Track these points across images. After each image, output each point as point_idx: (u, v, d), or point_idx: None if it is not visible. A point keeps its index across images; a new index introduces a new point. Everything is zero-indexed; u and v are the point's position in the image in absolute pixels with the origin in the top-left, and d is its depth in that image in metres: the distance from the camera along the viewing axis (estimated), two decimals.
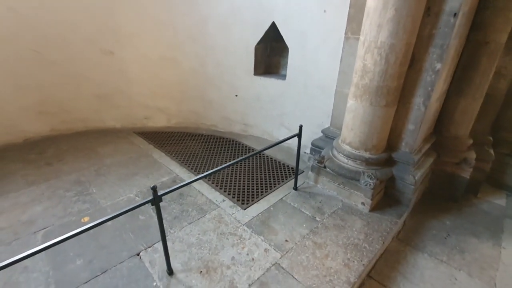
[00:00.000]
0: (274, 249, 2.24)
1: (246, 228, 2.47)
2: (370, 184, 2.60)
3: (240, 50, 3.87)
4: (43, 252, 1.95)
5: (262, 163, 3.62)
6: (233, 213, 2.66)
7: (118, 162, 3.54)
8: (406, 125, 2.71)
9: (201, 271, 2.03)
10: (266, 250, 2.24)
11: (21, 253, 1.29)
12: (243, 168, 3.48)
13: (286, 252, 2.22)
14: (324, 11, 3.09)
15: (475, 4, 2.61)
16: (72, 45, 3.87)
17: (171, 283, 1.95)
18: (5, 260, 1.26)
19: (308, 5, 3.18)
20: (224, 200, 2.85)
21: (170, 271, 2.01)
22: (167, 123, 4.66)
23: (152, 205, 1.72)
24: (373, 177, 2.62)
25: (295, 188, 3.05)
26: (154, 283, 1.95)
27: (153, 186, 1.68)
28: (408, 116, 2.67)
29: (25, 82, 3.79)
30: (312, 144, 3.47)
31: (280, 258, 2.17)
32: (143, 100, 4.45)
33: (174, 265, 2.08)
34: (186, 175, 3.25)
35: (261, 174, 3.36)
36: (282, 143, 3.85)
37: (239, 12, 3.66)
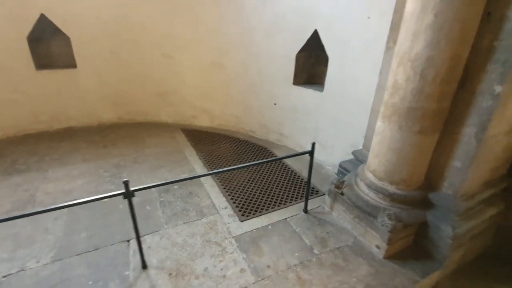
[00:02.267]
0: (251, 272, 2.06)
1: (233, 242, 2.35)
2: (387, 225, 2.12)
3: (281, 58, 3.75)
4: (64, 218, 2.29)
5: (282, 176, 3.40)
6: (228, 223, 2.57)
7: (155, 154, 3.89)
8: (450, 161, 2.11)
9: (171, 273, 2.03)
10: (242, 270, 2.07)
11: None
12: (259, 178, 3.34)
13: (262, 279, 2.01)
14: (368, 17, 2.70)
15: None
16: (141, 48, 4.47)
17: (140, 277, 2.00)
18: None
19: (353, 10, 2.84)
20: (226, 208, 2.79)
21: (144, 265, 2.08)
22: (211, 123, 4.89)
23: (124, 198, 1.80)
24: (393, 218, 2.13)
25: (305, 211, 2.75)
26: (127, 272, 2.04)
27: (125, 181, 1.76)
28: (454, 149, 2.07)
29: (104, 78, 4.58)
30: (340, 165, 3.07)
31: (253, 283, 1.97)
32: (192, 100, 4.79)
33: (151, 260, 2.14)
34: (205, 176, 3.33)
35: (276, 188, 3.16)
36: (315, 160, 3.58)
37: (283, 19, 3.56)
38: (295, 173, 3.48)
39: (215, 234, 2.43)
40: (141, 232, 2.42)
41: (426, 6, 1.75)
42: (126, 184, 1.76)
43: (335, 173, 3.38)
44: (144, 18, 4.25)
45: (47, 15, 3.93)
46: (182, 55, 4.50)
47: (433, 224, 2.19)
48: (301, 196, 3.01)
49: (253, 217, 2.67)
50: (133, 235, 2.37)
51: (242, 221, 2.60)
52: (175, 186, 3.10)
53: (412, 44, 1.87)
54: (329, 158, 3.58)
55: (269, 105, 4.18)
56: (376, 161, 2.32)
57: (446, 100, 1.94)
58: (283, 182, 3.29)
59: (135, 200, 2.87)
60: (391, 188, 2.25)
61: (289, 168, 3.59)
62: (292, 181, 3.31)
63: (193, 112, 4.91)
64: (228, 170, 2.06)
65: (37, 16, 3.90)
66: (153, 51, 4.50)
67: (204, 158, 3.79)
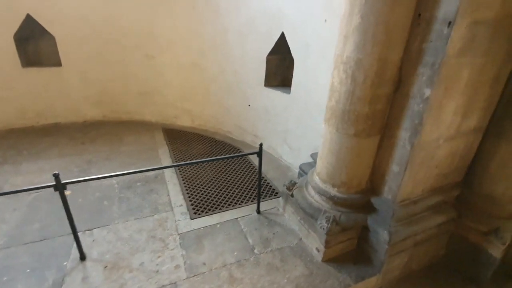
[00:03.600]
0: (185, 269, 2.09)
1: (177, 239, 2.38)
2: (324, 228, 2.11)
3: (253, 60, 3.79)
4: (23, 209, 2.52)
5: (246, 177, 3.42)
6: (178, 220, 2.61)
7: (129, 151, 3.99)
8: (390, 165, 2.08)
9: (106, 266, 2.08)
10: (177, 266, 2.11)
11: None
12: (222, 177, 3.38)
13: (194, 276, 2.03)
14: (325, 20, 2.71)
15: None
16: (125, 48, 4.60)
17: (76, 268, 2.07)
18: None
19: (313, 14, 2.86)
20: (181, 205, 2.83)
21: (83, 257, 2.14)
22: (191, 123, 4.96)
23: (55, 191, 1.87)
24: (331, 220, 2.12)
25: (258, 211, 2.76)
26: (65, 263, 2.11)
27: (55, 174, 1.83)
28: (392, 153, 2.05)
29: (89, 77, 4.73)
30: (300, 167, 3.07)
31: (184, 279, 2.00)
32: (174, 100, 4.88)
33: (92, 252, 2.21)
34: (169, 174, 3.38)
35: (237, 188, 3.18)
36: (283, 162, 3.60)
37: (254, 22, 3.60)
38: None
39: (162, 231, 2.47)
40: (90, 225, 2.51)
41: (353, 9, 1.75)
42: (56, 176, 1.82)
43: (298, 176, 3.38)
44: (128, 19, 4.38)
45: (33, 15, 4.11)
46: (164, 56, 4.60)
47: (373, 229, 2.16)
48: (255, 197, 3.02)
49: (205, 216, 2.70)
50: (83, 227, 2.47)
51: (193, 219, 2.64)
52: (138, 183, 3.17)
53: (343, 47, 1.87)
54: (297, 160, 3.57)
55: (245, 106, 4.22)
56: (320, 164, 2.32)
57: (379, 103, 1.92)
58: (245, 182, 3.30)
59: (95, 195, 2.96)
60: (333, 191, 2.24)
61: (255, 168, 3.61)
62: (255, 182, 3.32)
63: (175, 112, 4.99)
64: (177, 166, 2.10)
65: (23, 16, 4.09)
66: (136, 51, 4.62)
67: (175, 157, 3.85)
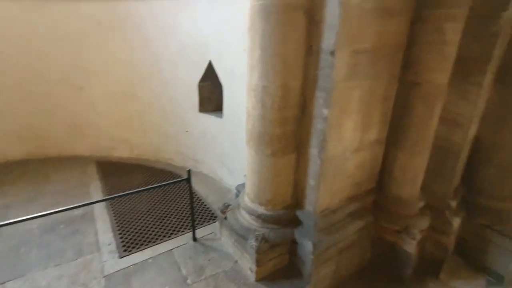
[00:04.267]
0: None
1: (102, 281, 2.21)
2: (253, 247, 2.16)
3: (187, 87, 3.87)
4: None
5: (184, 204, 3.36)
6: (105, 261, 2.43)
7: (55, 191, 3.65)
8: (307, 179, 2.25)
9: None
10: None
11: None
12: (159, 207, 3.27)
13: None
14: (244, 50, 2.91)
15: (396, 40, 2.16)
16: (49, 80, 4.32)
17: None
18: None
19: (234, 44, 3.06)
20: (110, 244, 2.65)
21: None
22: (130, 154, 4.76)
23: None
24: (259, 239, 2.17)
25: (194, 239, 2.71)
26: None
27: None
28: (307, 169, 2.22)
29: (7, 110, 4.31)
30: (236, 189, 3.12)
31: None
32: (109, 131, 4.66)
33: None
34: (99, 211, 3.16)
35: (174, 217, 3.09)
36: (224, 184, 3.60)
37: (184, 50, 3.71)
38: (200, 199, 3.47)
39: (85, 274, 2.28)
40: (3, 278, 2.21)
41: (254, 43, 1.94)
42: None
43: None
44: (51, 51, 4.16)
45: None
46: (94, 86, 4.43)
47: (300, 241, 2.27)
48: (197, 224, 2.98)
49: (136, 251, 2.56)
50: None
51: (122, 257, 2.48)
52: (62, 225, 2.90)
53: (251, 75, 2.04)
54: (236, 181, 3.61)
55: (183, 132, 4.22)
56: (248, 184, 2.41)
57: (289, 124, 2.10)
58: (183, 211, 3.23)
59: (10, 242, 2.64)
60: (260, 209, 2.32)
61: (195, 194, 3.57)
62: (194, 208, 3.27)
63: (111, 143, 4.75)
64: (103, 200, 1.99)
65: None
66: (63, 82, 4.37)
67: (108, 192, 3.63)
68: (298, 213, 2.34)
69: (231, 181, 3.72)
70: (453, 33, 2.03)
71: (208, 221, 3.05)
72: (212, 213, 3.19)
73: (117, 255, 2.50)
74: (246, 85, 2.16)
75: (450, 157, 2.45)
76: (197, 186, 3.78)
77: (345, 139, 2.15)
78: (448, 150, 2.44)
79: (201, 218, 3.09)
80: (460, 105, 2.31)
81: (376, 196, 2.64)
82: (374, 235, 2.63)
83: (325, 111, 1.94)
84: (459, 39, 2.09)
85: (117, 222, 2.97)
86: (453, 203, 2.55)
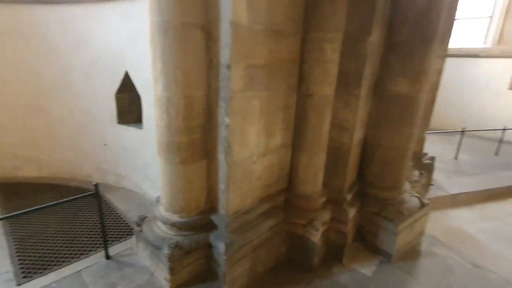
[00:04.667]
0: None
1: None
2: (166, 255, 2.18)
3: (104, 99, 3.72)
4: None
5: (97, 221, 3.16)
6: None
7: None
8: (218, 184, 2.39)
9: None
10: None
11: None
12: (70, 227, 3.03)
13: None
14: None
15: (290, 57, 2.49)
16: None
17: None
18: None
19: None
20: (7, 272, 2.36)
21: None
22: (39, 173, 4.28)
23: None
24: (173, 246, 2.20)
25: (107, 257, 2.58)
26: None
27: None
28: (218, 174, 2.36)
29: None
30: (156, 200, 3.08)
31: None
32: (12, 149, 4.13)
33: None
34: None
35: (87, 236, 2.90)
36: (148, 197, 3.47)
37: (99, 62, 3.59)
38: (119, 215, 3.31)
39: None
40: None
41: (156, 56, 2.02)
42: None
43: None
44: None
45: None
46: None
47: (214, 244, 2.37)
48: (113, 241, 2.84)
49: (39, 277, 2.32)
50: None
51: (20, 284, 2.22)
52: None
53: (156, 87, 2.11)
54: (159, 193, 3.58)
55: (102, 146, 3.99)
56: (162, 193, 2.43)
57: (196, 133, 2.22)
58: (96, 229, 3.04)
59: None
60: (174, 217, 2.36)
61: (113, 210, 3.40)
62: (110, 225, 3.11)
63: (15, 163, 4.20)
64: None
65: None
66: None
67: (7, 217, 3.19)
68: (213, 217, 2.45)
69: (155, 193, 3.64)
70: (332, 52, 2.45)
71: (126, 237, 2.93)
72: (132, 228, 3.08)
73: (14, 283, 2.23)
74: (154, 97, 2.21)
75: (341, 156, 2.88)
76: (118, 201, 3.59)
77: (250, 144, 2.36)
78: (340, 150, 2.87)
79: (118, 234, 2.96)
80: (345, 113, 2.75)
81: (286, 195, 2.93)
82: (286, 230, 2.89)
83: (227, 119, 2.12)
84: (338, 58, 2.53)
85: (17, 248, 2.64)
86: (349, 196, 2.98)
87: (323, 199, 2.89)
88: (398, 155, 3.03)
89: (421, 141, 4.69)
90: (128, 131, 3.66)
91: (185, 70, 2.01)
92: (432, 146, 7.19)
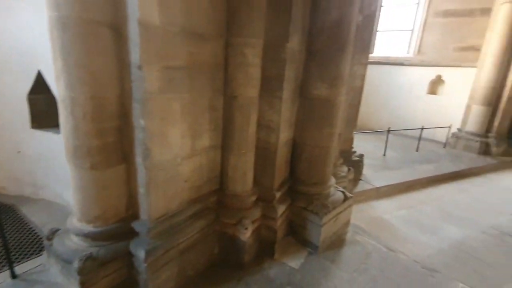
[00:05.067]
0: None
1: None
2: (76, 269, 2.02)
3: (15, 102, 3.31)
4: None
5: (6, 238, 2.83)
6: None
7: None
8: (138, 188, 2.31)
9: None
10: None
11: None
12: None
13: None
14: None
15: (214, 60, 2.52)
16: None
17: None
18: None
19: None
20: None
21: None
22: None
23: None
24: (83, 259, 2.05)
25: (14, 275, 2.31)
26: None
27: None
28: (137, 178, 2.28)
29: None
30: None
31: None
32: None
33: None
34: None
35: None
36: (70, 208, 3.14)
37: (8, 61, 3.19)
38: (32, 230, 2.98)
39: None
40: None
41: (55, 53, 1.87)
42: None
43: None
44: None
45: None
46: None
47: (135, 252, 2.27)
48: (25, 258, 2.55)
49: None
50: None
51: None
52: None
53: (58, 86, 1.95)
54: None
55: (15, 154, 3.55)
56: (74, 202, 2.25)
57: (109, 136, 2.11)
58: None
59: None
60: (88, 228, 2.21)
61: (26, 225, 3.05)
62: (23, 241, 2.78)
63: None
64: None
65: None
66: None
67: None
68: (134, 224, 2.35)
69: None
70: (253, 57, 2.54)
71: (39, 253, 2.65)
72: None
73: None
74: (58, 98, 2.05)
75: (270, 156, 3.01)
76: (35, 215, 3.23)
77: (173, 146, 2.32)
78: (268, 150, 2.99)
79: (30, 251, 2.65)
80: (271, 114, 2.88)
81: (218, 196, 2.95)
82: (218, 231, 2.91)
83: (142, 121, 2.06)
84: (260, 62, 2.64)
85: None
86: (278, 193, 3.12)
87: (253, 198, 2.98)
88: (322, 153, 3.27)
89: (349, 141, 5.13)
90: (46, 137, 3.31)
91: (92, 69, 1.90)
92: (366, 144, 7.93)
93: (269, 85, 2.79)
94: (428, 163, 6.72)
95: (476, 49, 8.25)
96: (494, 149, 7.63)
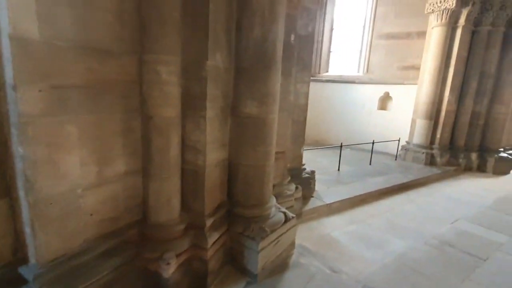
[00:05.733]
0: None
1: None
2: None
3: None
4: None
5: None
6: None
7: None
8: (24, 227, 1.96)
9: None
10: None
11: None
12: None
13: None
14: None
15: (125, 77, 2.32)
16: None
17: None
18: None
19: None
20: None
21: None
22: None
23: None
24: None
25: None
26: None
27: None
28: (22, 215, 1.94)
29: None
30: None
31: None
32: None
33: None
34: None
35: None
36: None
37: None
38: None
39: None
40: None
41: None
42: None
43: None
44: None
45: None
46: None
47: None
48: None
49: None
50: None
51: None
52: None
53: None
54: None
55: None
56: None
57: None
58: None
59: None
60: None
61: None
62: None
63: None
64: None
65: None
66: None
67: None
68: (22, 269, 1.98)
69: None
70: (167, 75, 2.39)
71: None
72: None
73: None
74: None
75: (198, 179, 2.80)
76: None
77: (70, 175, 2.04)
78: (197, 173, 2.79)
79: None
80: (197, 134, 2.70)
81: (140, 227, 2.65)
82: (140, 267, 2.58)
83: (21, 149, 1.77)
84: (177, 80, 2.50)
85: None
86: (210, 219, 2.89)
87: (181, 226, 2.73)
88: (258, 172, 3.13)
89: (298, 157, 5.10)
90: None
91: None
92: (323, 159, 8.05)
93: (194, 104, 2.65)
94: (379, 176, 6.91)
95: (416, 68, 8.94)
96: (438, 160, 8.11)
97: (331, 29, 11.47)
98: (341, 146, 7.20)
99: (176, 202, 2.69)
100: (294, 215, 3.51)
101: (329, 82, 11.09)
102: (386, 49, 9.97)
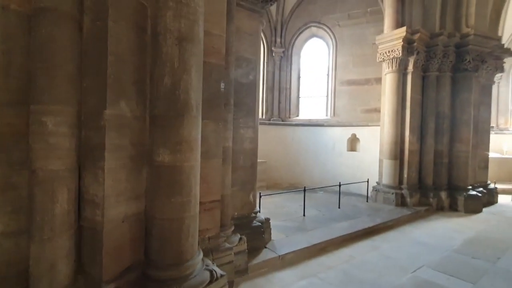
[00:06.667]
0: None
1: None
2: None
3: None
4: None
5: None
6: None
7: None
8: None
9: None
10: None
11: None
12: None
13: None
14: None
15: (8, 130, 2.19)
16: None
17: None
18: None
19: None
20: None
21: None
22: None
23: None
24: None
25: None
26: None
27: None
28: None
29: None
30: None
31: None
32: None
33: None
34: None
35: None
36: None
37: None
38: None
39: None
40: None
41: None
42: None
43: None
44: None
45: None
46: None
47: None
48: None
49: None
50: None
51: None
52: None
53: None
54: None
55: None
56: None
57: None
58: None
59: None
60: None
61: None
62: None
63: None
64: None
65: None
66: None
67: None
68: None
69: None
70: (54, 125, 2.26)
71: None
72: None
73: None
74: None
75: (97, 237, 2.50)
76: None
77: None
78: (94, 230, 2.50)
79: None
80: (95, 187, 2.49)
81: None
82: None
83: None
84: (67, 130, 2.36)
85: None
86: (111, 286, 2.51)
87: None
88: (175, 226, 2.85)
89: (248, 205, 4.84)
90: None
91: None
92: (292, 204, 7.74)
93: (92, 155, 2.49)
94: (346, 220, 6.60)
95: (378, 110, 9.26)
96: (408, 200, 7.92)
97: (299, 77, 12.12)
98: (304, 190, 6.98)
99: (63, 268, 2.34)
100: (224, 273, 3.14)
101: (299, 126, 11.32)
102: (349, 94, 10.44)
